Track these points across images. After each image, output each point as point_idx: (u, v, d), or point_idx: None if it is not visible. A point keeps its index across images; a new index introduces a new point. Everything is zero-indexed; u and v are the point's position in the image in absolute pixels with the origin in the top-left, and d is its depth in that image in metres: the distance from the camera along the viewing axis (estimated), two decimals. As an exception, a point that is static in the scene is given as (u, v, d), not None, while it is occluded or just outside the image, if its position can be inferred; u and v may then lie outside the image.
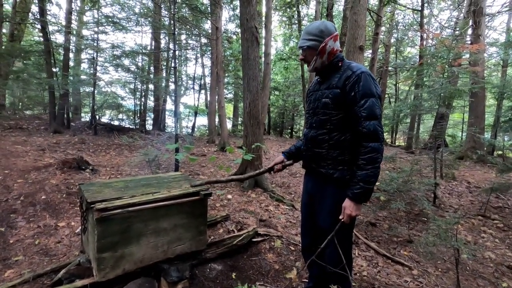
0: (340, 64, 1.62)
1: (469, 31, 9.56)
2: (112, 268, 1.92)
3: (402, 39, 15.89)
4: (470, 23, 8.96)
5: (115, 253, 1.92)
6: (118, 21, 10.13)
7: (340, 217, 1.54)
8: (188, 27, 12.70)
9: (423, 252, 2.75)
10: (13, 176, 4.18)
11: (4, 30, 10.83)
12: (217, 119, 10.99)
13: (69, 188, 3.98)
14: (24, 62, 10.61)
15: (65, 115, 9.61)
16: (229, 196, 4.20)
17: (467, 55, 7.50)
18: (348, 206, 1.50)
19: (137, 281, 2.00)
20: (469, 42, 8.84)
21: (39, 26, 9.38)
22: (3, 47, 9.71)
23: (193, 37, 14.92)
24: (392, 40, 15.50)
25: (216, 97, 10.04)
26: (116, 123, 13.36)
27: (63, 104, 9.20)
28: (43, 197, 3.63)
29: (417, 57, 11.72)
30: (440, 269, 2.69)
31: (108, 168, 5.38)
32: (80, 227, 2.77)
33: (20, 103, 11.68)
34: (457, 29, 10.95)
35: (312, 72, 1.73)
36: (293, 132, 19.19)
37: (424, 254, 2.74)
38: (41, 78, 9.72)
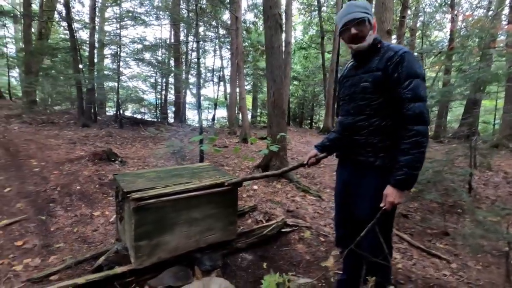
0: (379, 46, 1.54)
1: (505, 11, 8.87)
2: (148, 256, 1.96)
3: (428, 23, 15.01)
4: (507, 2, 8.31)
5: (151, 241, 1.96)
6: (138, 15, 10.27)
7: (381, 204, 1.47)
8: (205, 19, 12.67)
9: (462, 245, 2.61)
10: (49, 167, 4.39)
11: (32, 29, 11.27)
12: (237, 111, 10.99)
13: (101, 179, 4.12)
14: (52, 59, 11.00)
15: (92, 110, 9.94)
16: (255, 187, 4.19)
17: (503, 37, 6.98)
18: (390, 193, 1.43)
19: (172, 269, 2.05)
20: (506, 23, 8.21)
21: (64, 24, 9.67)
22: (33, 45, 10.12)
23: (212, 29, 14.87)
24: (418, 24, 14.68)
25: (237, 89, 10.01)
26: (138, 116, 13.69)
27: (90, 99, 9.52)
28: (77, 187, 3.79)
29: (446, 40, 11.03)
30: (481, 263, 2.56)
31: (135, 160, 5.53)
32: (114, 216, 2.86)
33: (50, 99, 12.19)
34: (491, 9, 10.19)
35: (358, 50, 1.63)
36: (313, 123, 18.88)
37: (463, 247, 2.60)
38: (68, 74, 10.07)
